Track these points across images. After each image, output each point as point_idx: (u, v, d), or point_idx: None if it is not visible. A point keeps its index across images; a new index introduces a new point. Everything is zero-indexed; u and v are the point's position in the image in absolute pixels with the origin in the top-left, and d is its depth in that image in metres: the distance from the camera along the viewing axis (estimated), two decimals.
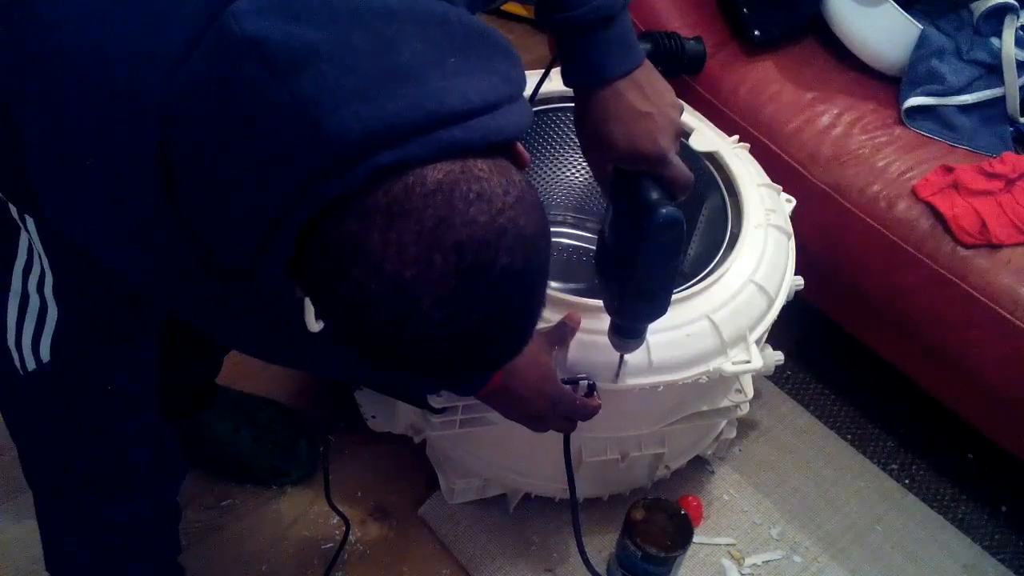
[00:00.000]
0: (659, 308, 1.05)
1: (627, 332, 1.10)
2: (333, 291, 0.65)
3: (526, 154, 0.71)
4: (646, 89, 0.95)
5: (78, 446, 1.06)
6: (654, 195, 0.94)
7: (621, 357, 1.16)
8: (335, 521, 1.45)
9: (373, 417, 1.37)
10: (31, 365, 0.97)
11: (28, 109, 0.73)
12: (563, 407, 1.13)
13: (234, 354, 1.45)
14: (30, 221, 0.87)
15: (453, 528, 1.45)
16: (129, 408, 1.06)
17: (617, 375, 1.18)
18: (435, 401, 1.22)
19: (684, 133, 0.95)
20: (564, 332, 1.15)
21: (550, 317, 1.16)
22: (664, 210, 0.92)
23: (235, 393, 1.50)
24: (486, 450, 1.37)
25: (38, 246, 0.89)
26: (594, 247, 1.09)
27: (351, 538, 1.42)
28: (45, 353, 0.96)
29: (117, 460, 1.09)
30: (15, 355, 0.97)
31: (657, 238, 0.93)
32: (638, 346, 1.13)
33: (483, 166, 0.64)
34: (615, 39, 0.94)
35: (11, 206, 0.87)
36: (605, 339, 1.13)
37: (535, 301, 0.70)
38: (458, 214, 0.62)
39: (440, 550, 1.44)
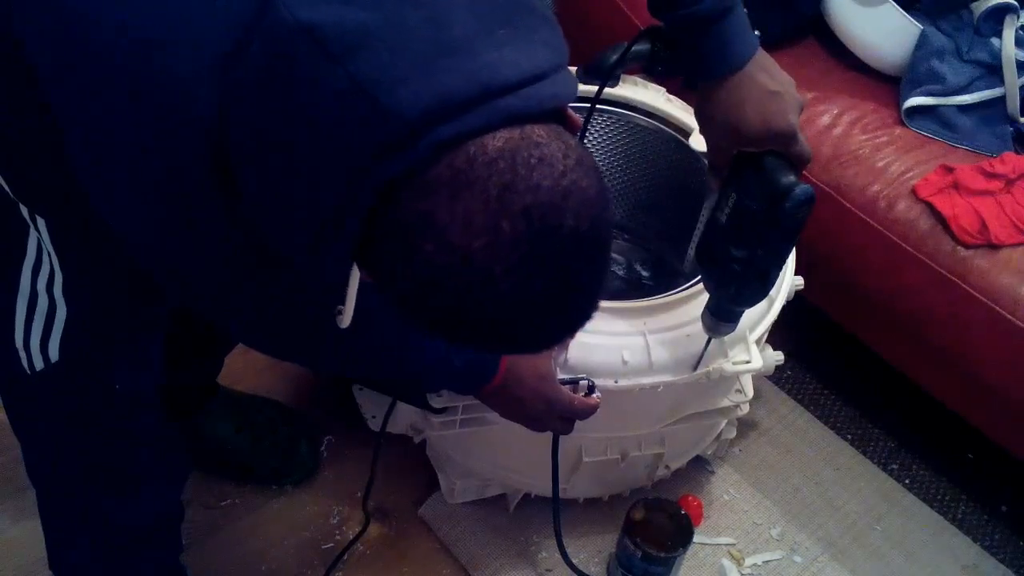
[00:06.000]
0: (770, 287, 1.07)
1: (728, 316, 1.12)
2: (402, 270, 0.65)
3: (578, 119, 0.71)
4: (770, 69, 0.97)
5: (84, 445, 1.06)
6: (787, 172, 0.96)
7: (707, 344, 1.18)
8: (335, 521, 1.45)
9: (373, 417, 1.37)
10: (39, 365, 0.97)
11: (73, 104, 0.72)
12: (560, 408, 1.13)
13: (235, 354, 1.45)
14: (41, 222, 0.88)
15: (453, 528, 1.45)
16: (135, 407, 1.06)
17: (699, 363, 1.19)
18: (435, 401, 1.22)
19: (802, 106, 0.98)
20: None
21: None
22: (800, 187, 0.94)
23: (236, 393, 1.50)
24: (486, 450, 1.37)
25: (48, 246, 0.89)
26: None
27: (350, 536, 1.42)
28: (54, 352, 0.96)
29: (122, 459, 1.09)
30: (23, 355, 0.97)
31: (794, 215, 0.95)
32: (732, 330, 1.15)
33: (541, 132, 0.65)
34: (738, 25, 0.96)
35: (22, 207, 0.87)
36: (604, 339, 1.13)
37: (603, 263, 0.70)
38: (522, 179, 0.63)
39: (440, 550, 1.44)
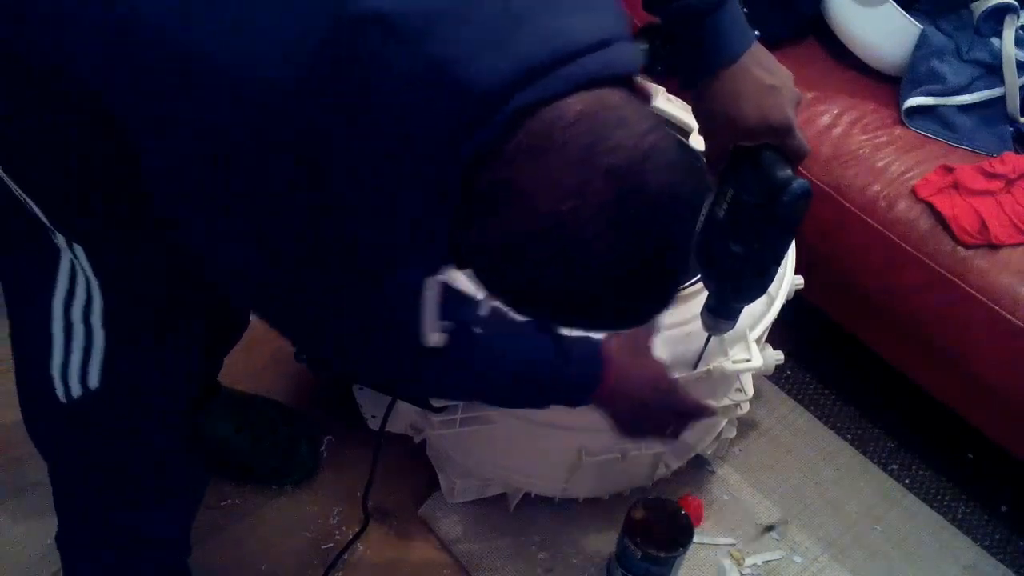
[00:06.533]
0: (766, 285, 1.07)
1: (727, 313, 1.12)
2: (494, 244, 0.66)
3: (648, 87, 0.71)
4: (767, 62, 0.97)
5: (117, 464, 1.06)
6: (784, 167, 0.96)
7: (706, 342, 1.17)
8: (335, 521, 1.45)
9: (373, 416, 1.37)
10: (77, 392, 0.96)
11: (153, 117, 0.72)
12: (675, 398, 1.10)
13: (235, 354, 1.44)
14: (79, 249, 0.87)
15: (453, 528, 1.45)
16: (171, 422, 1.06)
17: (699, 361, 1.19)
18: (435, 401, 1.22)
19: (800, 101, 0.97)
20: (653, 327, 1.13)
21: None
22: (797, 181, 0.94)
23: (236, 393, 1.50)
24: (486, 450, 1.37)
25: (88, 272, 0.89)
26: None
27: (350, 536, 1.42)
28: (94, 380, 0.96)
29: (156, 474, 1.09)
30: (58, 384, 0.96)
31: (791, 209, 0.95)
32: (731, 328, 1.14)
33: (615, 96, 0.66)
34: (733, 18, 0.96)
35: (58, 235, 0.87)
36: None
37: (691, 221, 0.70)
38: (603, 140, 0.63)
39: (440, 550, 1.44)
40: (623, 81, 0.68)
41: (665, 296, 0.73)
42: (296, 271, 0.77)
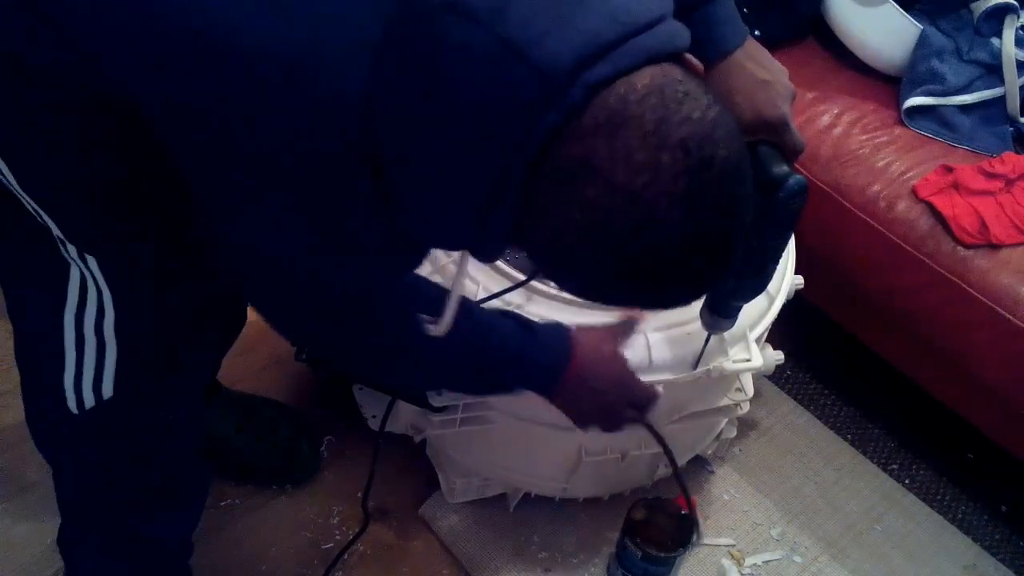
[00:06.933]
0: (766, 282, 1.07)
1: (726, 311, 1.12)
2: (568, 220, 0.66)
3: (697, 62, 0.72)
4: (760, 57, 0.97)
5: (126, 470, 1.06)
6: (780, 163, 0.96)
7: (706, 342, 1.17)
8: (335, 521, 1.45)
9: (373, 416, 1.37)
10: (90, 403, 0.96)
11: (202, 115, 0.72)
12: (633, 392, 1.11)
13: (235, 354, 1.44)
14: (92, 260, 0.87)
15: (453, 528, 1.45)
16: (182, 428, 1.07)
17: (698, 361, 1.19)
18: (435, 400, 1.22)
19: (794, 96, 0.99)
20: (629, 326, 1.13)
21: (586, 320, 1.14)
22: (794, 177, 0.94)
23: (237, 393, 1.50)
24: (486, 449, 1.37)
25: (100, 283, 0.89)
26: None
27: (350, 536, 1.42)
28: (108, 390, 0.96)
29: (165, 479, 1.09)
30: (70, 395, 0.96)
31: (787, 205, 0.95)
32: (731, 326, 1.15)
33: (678, 70, 0.67)
34: (726, 12, 0.96)
35: (69, 247, 0.87)
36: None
37: (751, 192, 0.71)
38: (674, 113, 0.64)
39: (440, 550, 1.44)
40: (678, 56, 0.70)
41: (725, 266, 0.73)
42: (339, 260, 0.78)
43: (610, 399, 1.09)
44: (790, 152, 0.98)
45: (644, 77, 0.65)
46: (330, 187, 0.72)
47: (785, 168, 0.95)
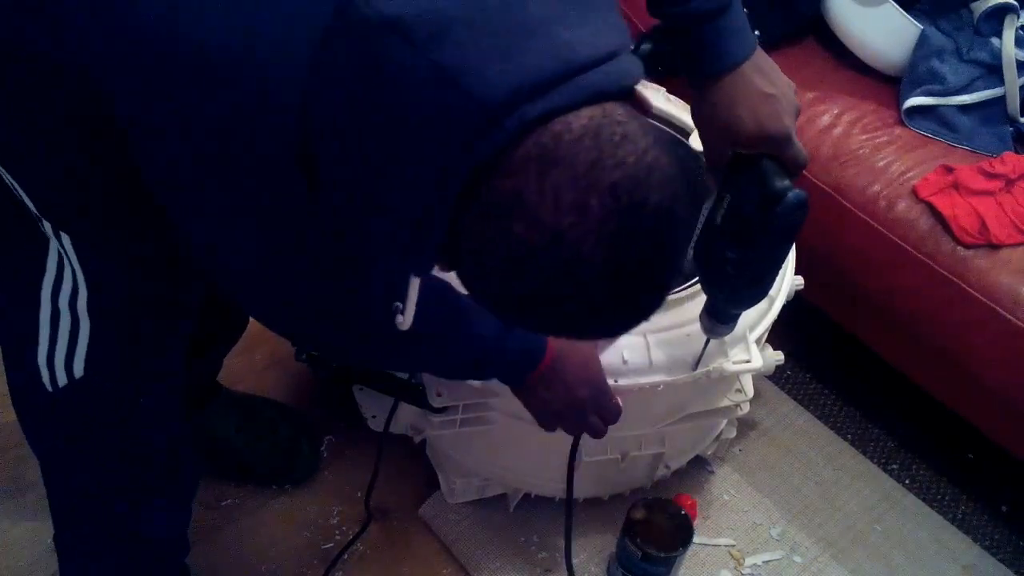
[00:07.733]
0: (765, 292, 1.07)
1: (724, 318, 1.12)
2: (491, 252, 0.66)
3: (648, 99, 0.72)
4: (767, 71, 0.97)
5: (106, 457, 1.06)
6: (781, 176, 0.95)
7: (705, 344, 1.17)
8: (335, 521, 1.45)
9: (373, 417, 1.37)
10: (62, 381, 0.97)
11: (153, 113, 0.73)
12: (601, 399, 1.12)
13: (235, 354, 1.45)
14: (66, 238, 0.88)
15: (453, 528, 1.45)
16: (159, 416, 1.06)
17: (698, 363, 1.19)
18: (435, 401, 1.22)
19: (799, 111, 0.98)
20: None
21: None
22: (793, 192, 0.94)
23: (237, 393, 1.50)
24: (486, 450, 1.37)
25: (73, 261, 0.89)
26: None
27: (350, 536, 1.42)
28: (79, 368, 0.96)
29: (145, 468, 1.09)
30: (45, 373, 0.96)
31: (787, 219, 0.95)
32: (730, 331, 1.15)
33: (620, 110, 0.66)
34: (735, 24, 0.96)
35: (45, 223, 0.87)
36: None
37: (685, 238, 0.71)
38: (608, 156, 0.64)
39: (440, 550, 1.44)
40: (626, 94, 0.69)
41: (650, 309, 0.73)
42: (288, 259, 0.79)
43: (582, 395, 1.10)
44: (792, 166, 0.97)
45: (582, 117, 0.64)
46: (268, 188, 0.72)
47: (786, 182, 0.95)
